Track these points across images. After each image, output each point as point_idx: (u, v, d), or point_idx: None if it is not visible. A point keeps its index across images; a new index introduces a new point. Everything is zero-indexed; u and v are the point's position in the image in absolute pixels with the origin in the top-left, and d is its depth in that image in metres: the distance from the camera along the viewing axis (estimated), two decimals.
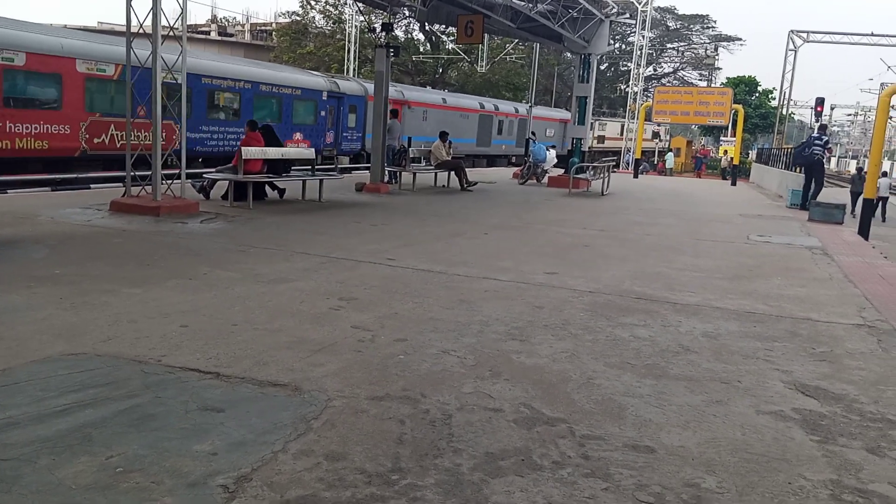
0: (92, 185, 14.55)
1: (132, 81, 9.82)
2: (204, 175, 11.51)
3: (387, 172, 15.40)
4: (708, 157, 37.33)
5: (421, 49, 48.72)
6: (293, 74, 23.02)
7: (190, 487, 2.51)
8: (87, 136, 15.55)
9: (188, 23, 10.32)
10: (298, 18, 47.36)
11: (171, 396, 3.31)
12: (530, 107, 28.62)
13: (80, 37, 16.68)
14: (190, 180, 10.67)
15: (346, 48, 39.10)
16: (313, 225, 9.41)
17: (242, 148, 10.77)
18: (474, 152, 29.67)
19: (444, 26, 37.58)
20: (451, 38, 41.66)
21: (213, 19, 53.63)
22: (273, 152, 11.50)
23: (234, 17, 56.37)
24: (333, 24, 45.92)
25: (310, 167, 13.36)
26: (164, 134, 9.69)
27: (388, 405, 3.34)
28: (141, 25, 9.48)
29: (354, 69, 38.26)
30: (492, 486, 2.64)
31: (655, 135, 46.84)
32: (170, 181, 9.94)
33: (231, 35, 51.82)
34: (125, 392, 3.33)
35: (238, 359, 3.86)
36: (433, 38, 48.23)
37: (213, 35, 49.55)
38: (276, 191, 11.96)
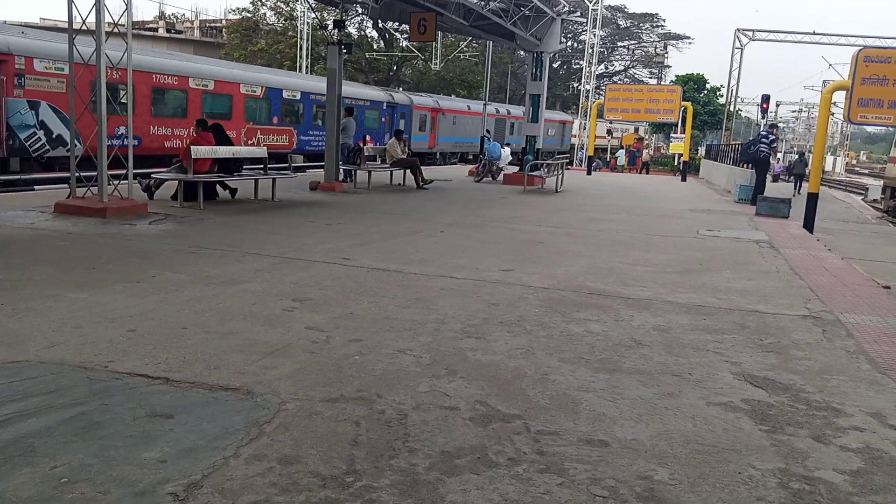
0: (36, 187, 14.11)
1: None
2: (151, 175, 11.25)
3: (342, 171, 15.29)
4: (641, 151, 38.01)
5: (375, 46, 48.49)
6: (364, 89, 29.35)
7: (138, 496, 2.44)
8: (245, 139, 21.09)
9: (134, 19, 10.07)
10: (249, 15, 46.70)
11: (119, 403, 3.22)
12: (485, 105, 28.89)
13: (243, 68, 23.99)
14: (136, 180, 10.41)
15: (299, 45, 38.68)
16: (266, 225, 9.28)
17: (191, 147, 10.55)
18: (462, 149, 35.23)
19: (397, 24, 37.55)
20: (405, 35, 41.59)
21: (161, 16, 52.47)
22: (224, 151, 11.31)
23: (183, 14, 55.19)
24: (285, 20, 45.40)
25: (262, 166, 13.17)
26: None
27: (343, 407, 3.31)
28: (84, 22, 9.21)
29: (307, 66, 37.90)
30: (448, 485, 2.63)
31: (609, 132, 47.53)
32: (116, 182, 9.69)
33: (180, 32, 50.78)
34: (70, 400, 3.23)
35: (188, 363, 3.78)
36: (387, 35, 48.08)
37: (161, 32, 48.50)
38: (227, 190, 11.76)
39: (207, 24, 54.84)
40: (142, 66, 17.22)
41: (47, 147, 15.91)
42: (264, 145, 15.23)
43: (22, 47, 15.36)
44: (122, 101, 9.46)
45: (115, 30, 9.51)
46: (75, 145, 10.01)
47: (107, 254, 6.77)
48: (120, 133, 14.14)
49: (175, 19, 53.94)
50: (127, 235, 7.90)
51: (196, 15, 55.12)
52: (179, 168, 10.96)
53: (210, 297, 5.25)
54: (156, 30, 49.07)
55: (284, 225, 9.38)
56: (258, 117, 22.08)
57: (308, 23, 38.72)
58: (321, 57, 38.22)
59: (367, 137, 24.18)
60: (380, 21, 41.88)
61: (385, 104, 28.78)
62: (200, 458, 2.73)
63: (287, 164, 19.18)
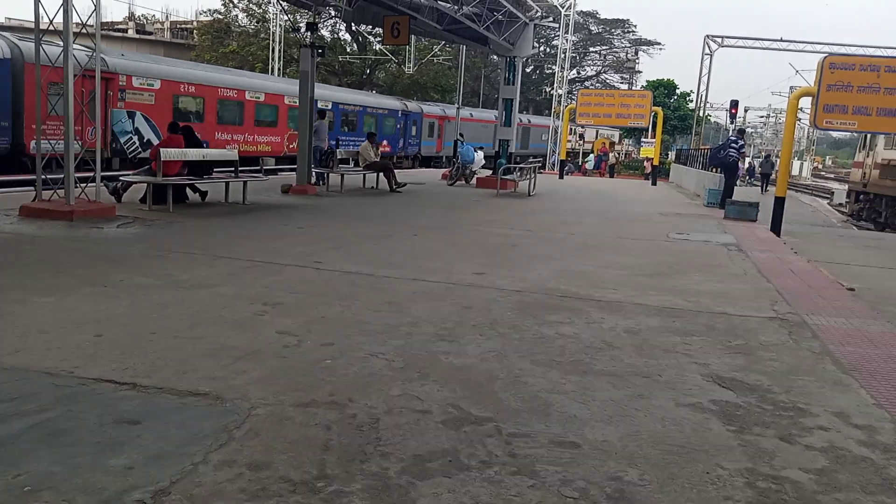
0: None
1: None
2: (119, 177, 11.09)
3: (314, 174, 15.21)
4: (608, 155, 38.45)
5: (348, 49, 48.33)
6: (383, 99, 33.32)
7: None
8: (287, 143, 24.28)
9: (104, 20, 9.93)
10: (220, 17, 46.23)
11: (85, 410, 3.17)
12: (458, 108, 29.17)
13: (286, 82, 26.76)
14: (104, 182, 10.25)
15: (271, 47, 38.40)
16: (237, 228, 9.20)
17: (161, 149, 10.42)
18: (490, 154, 38.52)
19: (370, 27, 37.43)
20: (379, 38, 41.47)
21: (131, 17, 51.73)
22: (193, 153, 11.18)
23: (153, 15, 54.48)
24: (257, 23, 45.04)
25: (233, 169, 13.05)
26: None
27: (314, 411, 3.29)
28: (51, 22, 9.05)
29: (279, 69, 37.64)
30: (419, 488, 2.63)
31: (580, 136, 47.93)
32: (84, 184, 9.53)
33: (150, 33, 50.14)
34: (34, 406, 3.16)
35: (156, 368, 3.72)
36: (360, 38, 47.90)
37: (131, 33, 47.83)
38: (197, 193, 11.62)
39: (178, 26, 54.22)
40: (212, 81, 21.97)
41: (140, 149, 18.75)
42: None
43: (123, 67, 18.68)
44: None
45: (84, 30, 9.37)
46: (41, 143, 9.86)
47: (73, 258, 6.66)
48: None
49: (145, 20, 53.25)
50: (94, 239, 7.77)
51: (167, 16, 54.51)
52: (148, 171, 10.81)
53: (179, 301, 5.18)
54: (125, 31, 48.39)
55: (256, 228, 9.30)
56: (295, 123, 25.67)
57: (281, 25, 38.44)
58: (294, 59, 38.05)
59: (385, 143, 29.98)
60: (353, 24, 41.71)
61: (400, 112, 32.41)
62: (168, 464, 2.70)
63: (259, 168, 19.16)
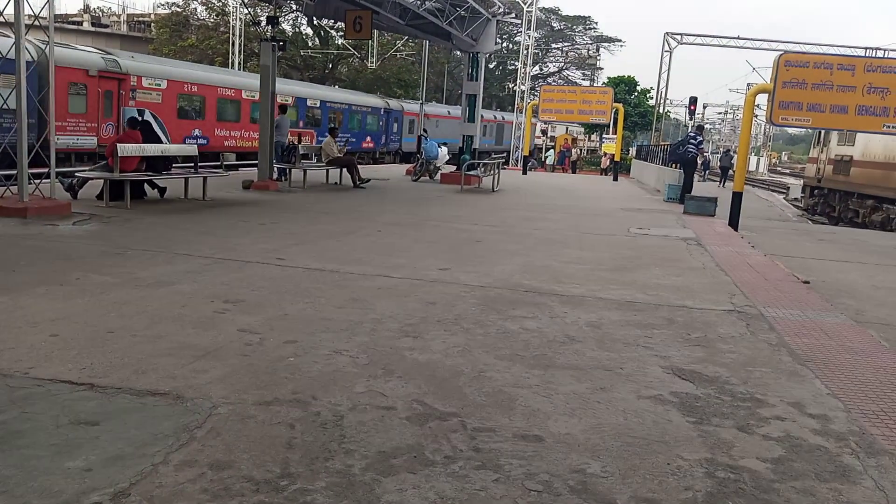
0: None
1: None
2: (75, 173, 10.83)
3: (276, 169, 15.05)
4: (570, 151, 39.00)
5: (310, 44, 47.88)
6: (366, 98, 34.63)
7: None
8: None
9: (57, 12, 9.69)
10: (179, 10, 45.43)
11: (40, 411, 3.09)
12: (422, 104, 29.25)
13: (281, 82, 25.68)
14: (59, 179, 10.01)
15: (231, 41, 37.87)
16: (197, 225, 9.05)
17: (118, 144, 10.19)
18: (484, 149, 40.17)
19: (332, 21, 37.20)
20: (341, 33, 41.24)
21: (86, 9, 50.50)
22: (151, 149, 10.98)
23: (109, 8, 53.22)
24: (216, 16, 44.36)
25: (192, 164, 12.84)
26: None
27: (277, 409, 3.26)
28: (1, 13, 8.78)
29: (240, 63, 37.15)
30: (384, 485, 2.62)
31: (543, 132, 48.31)
32: (38, 181, 9.29)
33: (106, 26, 49.02)
34: None
35: (114, 368, 3.65)
36: (322, 32, 47.51)
37: (87, 26, 46.70)
38: (156, 189, 11.42)
39: (135, 19, 53.12)
40: (212, 81, 23.44)
41: None
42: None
43: (134, 69, 20.22)
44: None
45: (37, 23, 9.12)
46: None
47: (27, 256, 6.49)
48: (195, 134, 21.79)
49: (101, 13, 52.02)
50: (49, 236, 7.58)
51: (123, 9, 53.31)
52: (105, 166, 10.58)
53: (138, 299, 5.09)
54: (80, 24, 47.23)
55: (216, 225, 9.17)
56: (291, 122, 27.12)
57: (241, 18, 37.95)
58: (254, 53, 37.54)
59: (369, 139, 32.63)
60: (315, 18, 41.36)
61: (382, 110, 34.42)
62: (128, 465, 2.65)
63: (219, 164, 18.98)
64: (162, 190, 11.43)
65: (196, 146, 12.99)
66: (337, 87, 40.86)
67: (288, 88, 27.15)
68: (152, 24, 49.23)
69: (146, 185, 11.23)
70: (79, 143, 18.80)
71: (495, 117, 45.40)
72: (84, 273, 5.83)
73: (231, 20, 39.11)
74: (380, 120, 34.21)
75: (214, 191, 12.26)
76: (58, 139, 17.07)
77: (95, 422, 3.02)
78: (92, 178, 10.63)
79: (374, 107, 33.89)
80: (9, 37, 8.92)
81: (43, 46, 17.04)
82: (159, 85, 20.88)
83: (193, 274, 6.05)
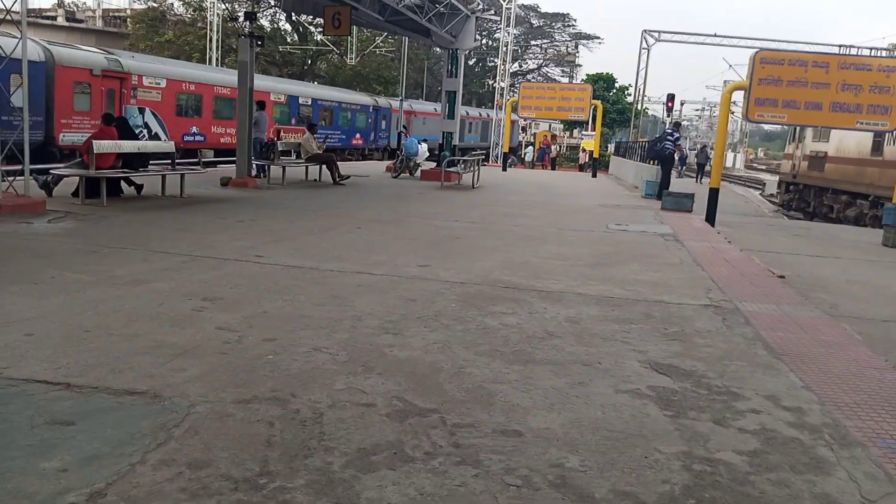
0: None
1: None
2: (50, 170, 10.68)
3: (254, 166, 14.94)
4: (550, 148, 39.15)
5: (288, 40, 47.54)
6: (356, 96, 35.20)
7: None
8: (273, 136, 22.70)
9: (30, 6, 9.54)
10: (155, 5, 44.86)
11: (15, 411, 3.05)
12: (402, 101, 29.28)
13: (274, 80, 29.87)
14: (33, 176, 9.86)
15: (209, 37, 37.50)
16: (174, 222, 8.97)
17: (94, 141, 10.06)
18: (475, 146, 40.04)
19: (311, 17, 37.02)
20: (320, 29, 41.01)
21: (60, 3, 49.69)
22: (128, 146, 10.85)
23: (84, 2, 52.43)
24: (194, 11, 43.89)
25: (169, 161, 12.71)
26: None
27: (256, 407, 3.24)
28: None
29: (217, 59, 36.81)
30: (364, 482, 2.62)
31: (523, 129, 48.49)
32: (11, 178, 9.15)
33: (81, 21, 48.28)
34: None
35: (91, 367, 3.61)
36: (300, 28, 47.21)
37: (61, 21, 45.98)
38: (132, 186, 11.29)
39: (111, 14, 52.36)
40: (209, 80, 23.97)
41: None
42: (286, 140, 18.31)
43: (135, 68, 20.73)
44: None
45: (8, 17, 8.96)
46: None
47: (1, 254, 6.39)
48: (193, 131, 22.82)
49: (76, 7, 51.23)
50: (23, 234, 7.47)
51: (98, 3, 52.52)
52: (80, 163, 10.44)
53: (114, 297, 5.03)
54: (55, 18, 46.49)
55: (194, 222, 9.09)
56: (282, 119, 27.36)
57: (218, 14, 37.58)
58: (232, 49, 37.21)
59: (358, 136, 33.29)
60: (293, 14, 41.12)
61: (371, 108, 34.99)
62: (104, 465, 2.62)
63: (197, 160, 18.92)
64: (139, 187, 11.31)
65: (171, 144, 13.19)
66: (316, 82, 40.69)
67: (281, 87, 28.75)
68: (128, 20, 48.56)
69: (122, 183, 11.10)
70: (83, 140, 20.23)
71: (481, 114, 45.61)
72: (59, 271, 5.75)
73: (208, 15, 38.71)
74: (368, 117, 34.69)
75: (192, 188, 12.15)
76: (64, 136, 18.27)
77: (71, 422, 2.98)
78: (67, 176, 10.48)
79: (364, 104, 34.44)
80: (15, 37, 8.82)
81: (48, 46, 18.40)
82: (159, 84, 21.44)
83: (171, 272, 6.00)
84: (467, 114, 44.16)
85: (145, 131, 20.76)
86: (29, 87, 8.61)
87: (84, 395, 3.27)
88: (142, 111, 20.80)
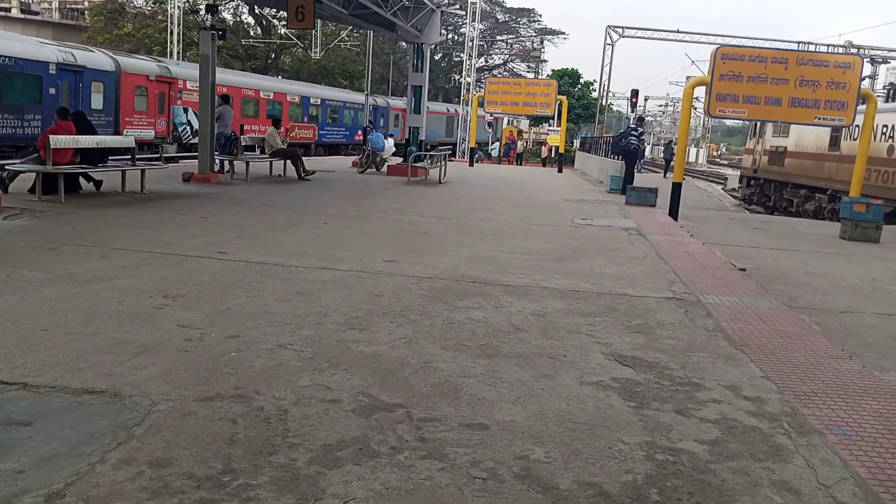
0: None
1: None
2: (5, 167, 10.40)
3: (217, 161, 14.73)
4: (515, 143, 39.35)
5: (251, 33, 46.96)
6: (352, 95, 37.52)
7: None
8: (287, 133, 24.60)
9: None
10: None
11: None
12: (367, 95, 29.07)
13: (288, 83, 34.85)
14: None
15: (169, 30, 36.85)
16: (135, 218, 8.81)
17: (50, 136, 9.82)
18: (444, 141, 40.73)
19: (274, 10, 36.60)
20: (283, 22, 40.60)
21: None
22: (86, 140, 10.61)
23: None
24: (154, 4, 43.09)
25: (130, 156, 12.48)
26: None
27: (219, 405, 3.20)
28: None
29: (179, 52, 36.20)
30: (329, 477, 2.61)
31: (489, 124, 48.54)
32: None
33: (37, 13, 47.10)
34: None
35: (48, 366, 3.53)
36: (264, 21, 46.68)
37: (15, 13, 44.79)
38: (91, 182, 11.05)
39: (68, 6, 51.18)
40: (238, 83, 27.72)
41: (191, 136, 24.31)
42: (300, 137, 20.17)
43: (181, 73, 24.69)
44: None
45: None
46: None
47: None
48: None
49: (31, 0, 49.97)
50: None
51: None
52: (36, 159, 10.18)
53: (72, 295, 4.93)
54: (9, 10, 45.27)
55: (155, 218, 8.94)
56: (295, 117, 31.02)
57: (179, 7, 36.95)
58: (194, 43, 36.67)
59: (359, 132, 33.47)
60: (256, 6, 40.59)
61: (361, 105, 34.92)
62: (63, 465, 2.57)
63: (158, 155, 18.62)
64: (98, 183, 11.07)
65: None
66: (280, 76, 40.32)
67: (294, 88, 33.07)
68: (86, 12, 47.48)
69: (81, 178, 10.86)
70: (141, 135, 22.35)
71: (447, 109, 45.77)
72: (15, 269, 5.61)
73: (169, 8, 38.02)
74: (369, 115, 36.17)
75: (153, 183, 11.94)
76: (127, 132, 21.24)
77: (28, 422, 2.91)
78: (23, 172, 10.22)
79: (360, 102, 35.30)
80: (92, 51, 8.68)
81: (116, 56, 22.16)
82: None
83: (131, 269, 5.89)
84: (455, 111, 45.33)
85: (188, 128, 24.58)
86: (103, 92, 8.48)
87: (41, 394, 3.20)
88: (185, 110, 24.55)
